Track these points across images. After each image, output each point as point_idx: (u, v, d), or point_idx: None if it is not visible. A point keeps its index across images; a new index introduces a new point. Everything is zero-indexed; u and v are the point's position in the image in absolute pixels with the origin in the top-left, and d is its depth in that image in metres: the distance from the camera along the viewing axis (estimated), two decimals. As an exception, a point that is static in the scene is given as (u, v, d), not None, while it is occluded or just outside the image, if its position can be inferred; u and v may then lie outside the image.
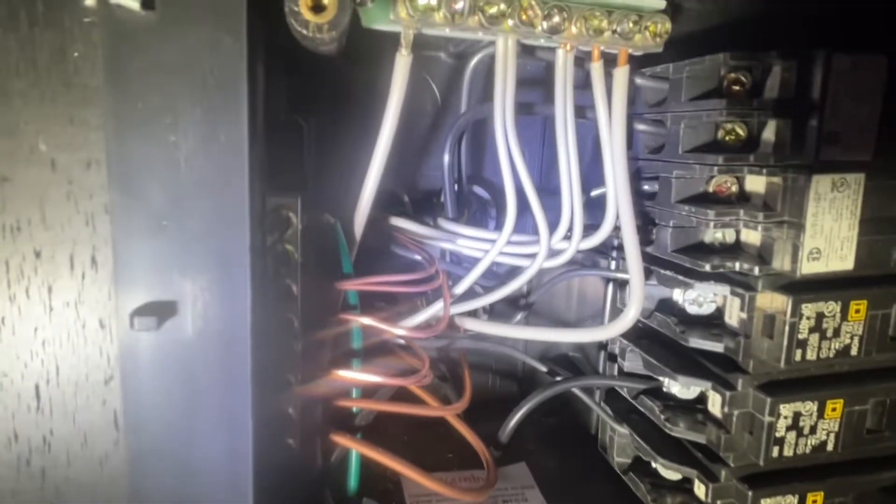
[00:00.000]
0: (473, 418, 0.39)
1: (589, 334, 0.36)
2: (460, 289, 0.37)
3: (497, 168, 0.43)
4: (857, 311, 0.30)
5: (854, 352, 0.31)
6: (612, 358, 0.41)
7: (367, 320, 0.34)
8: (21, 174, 0.22)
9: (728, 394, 0.31)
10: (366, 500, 0.35)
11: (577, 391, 0.41)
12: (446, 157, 0.37)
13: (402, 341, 0.38)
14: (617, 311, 0.41)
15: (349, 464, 0.32)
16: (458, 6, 0.28)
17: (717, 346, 0.32)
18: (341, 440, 0.32)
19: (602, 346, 0.43)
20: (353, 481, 0.32)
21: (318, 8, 0.23)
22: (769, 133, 0.31)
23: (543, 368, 0.41)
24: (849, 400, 0.31)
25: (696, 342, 0.33)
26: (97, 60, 0.22)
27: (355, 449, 0.32)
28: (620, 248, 0.40)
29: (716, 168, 0.31)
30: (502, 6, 0.28)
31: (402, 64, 0.30)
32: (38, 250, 0.23)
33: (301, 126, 0.35)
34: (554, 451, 0.43)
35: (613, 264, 0.41)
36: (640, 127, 0.36)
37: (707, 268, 0.31)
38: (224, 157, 0.23)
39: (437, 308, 0.37)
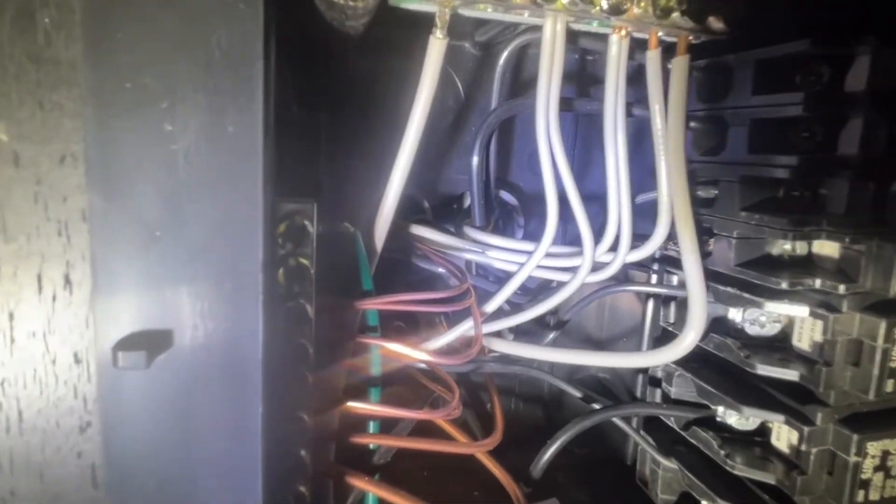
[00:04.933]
0: (495, 447, 0.35)
1: (639, 359, 0.32)
2: (491, 306, 0.33)
3: (524, 171, 0.40)
4: (954, 335, 0.26)
5: (949, 380, 0.27)
6: (653, 382, 0.37)
7: (388, 344, 0.29)
8: (-25, 171, 0.18)
9: (806, 429, 0.27)
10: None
11: (617, 420, 0.36)
12: (475, 159, 0.33)
13: (423, 365, 0.34)
14: (658, 330, 0.37)
15: (367, 511, 0.28)
16: (506, -21, 0.24)
17: (790, 375, 0.28)
18: (358, 483, 0.28)
19: (642, 368, 0.39)
20: (371, 531, 0.28)
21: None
22: (852, 132, 0.27)
23: (578, 394, 0.37)
24: (941, 434, 0.28)
25: (765, 369, 0.29)
26: (74, 28, 0.17)
27: (373, 493, 0.28)
28: (663, 260, 0.36)
29: (789, 171, 0.27)
30: (558, -20, 0.24)
31: (437, 48, 0.26)
32: (-3, 267, 0.18)
33: (316, 122, 0.31)
34: (587, 485, 0.39)
35: (654, 278, 0.37)
36: (691, 125, 0.32)
37: (784, 285, 0.27)
38: (233, 152, 0.18)
39: (463, 328, 0.33)
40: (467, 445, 0.31)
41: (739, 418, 0.32)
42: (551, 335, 0.37)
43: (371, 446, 0.30)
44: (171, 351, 0.19)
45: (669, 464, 0.35)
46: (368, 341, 0.29)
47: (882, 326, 0.25)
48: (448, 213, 0.37)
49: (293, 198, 0.24)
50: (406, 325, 0.38)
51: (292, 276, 0.24)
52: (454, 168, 0.38)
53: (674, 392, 0.35)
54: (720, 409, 0.32)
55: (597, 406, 0.36)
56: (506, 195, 0.38)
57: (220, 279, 0.19)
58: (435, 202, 0.37)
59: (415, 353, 0.29)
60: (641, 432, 0.37)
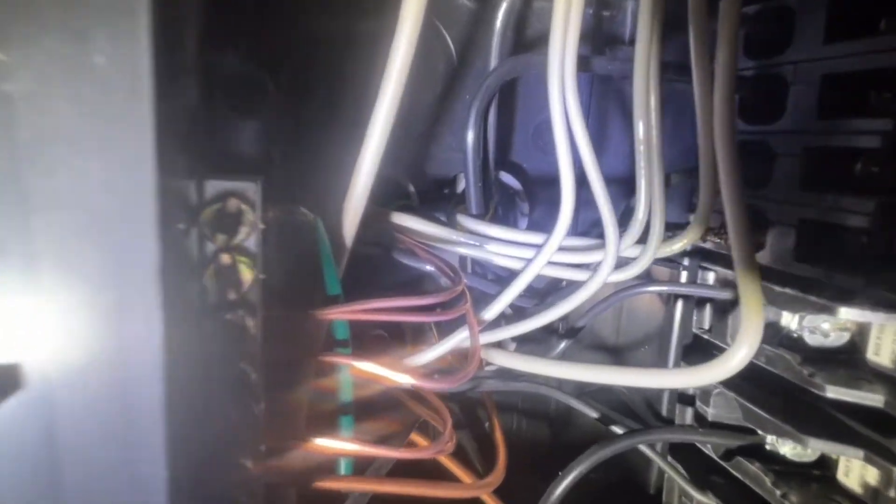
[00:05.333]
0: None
1: (673, 378, 0.26)
2: (491, 313, 0.27)
3: (528, 148, 0.33)
4: None
5: None
6: (684, 400, 0.31)
7: (360, 364, 0.23)
8: None
9: (895, 469, 0.22)
10: None
11: (645, 448, 0.30)
12: (470, 134, 0.27)
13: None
14: (689, 337, 0.31)
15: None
16: None
17: (870, 400, 0.22)
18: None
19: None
20: None
21: None
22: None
23: (594, 414, 0.31)
24: None
25: (837, 391, 0.23)
26: None
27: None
28: (695, 253, 0.30)
29: (877, 139, 0.21)
30: None
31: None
32: None
33: (265, 84, 0.24)
34: (603, 519, 0.33)
35: (685, 275, 0.31)
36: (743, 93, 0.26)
37: (861, 283, 0.21)
38: (106, 96, 0.12)
39: (457, 339, 0.27)
40: (461, 488, 0.25)
41: (795, 447, 0.27)
42: (561, 345, 0.31)
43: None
44: (22, 393, 0.13)
45: (704, 498, 0.29)
46: (335, 360, 0.23)
47: None
48: (439, 198, 0.31)
49: (227, 174, 0.18)
50: (389, 335, 0.32)
51: (226, 280, 0.18)
52: (445, 145, 0.31)
53: (711, 413, 0.29)
54: (770, 437, 0.27)
55: (618, 429, 0.30)
56: (507, 177, 0.32)
57: (99, 289, 0.13)
58: (423, 186, 0.31)
59: (394, 376, 0.23)
60: (669, 458, 0.31)
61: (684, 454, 0.31)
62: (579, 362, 0.28)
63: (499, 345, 0.30)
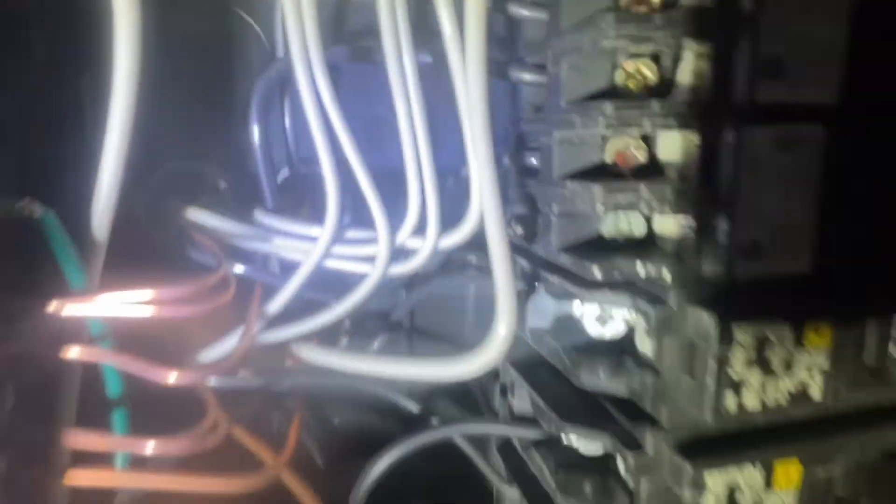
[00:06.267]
0: (342, 471, 0.29)
1: (442, 368, 0.26)
2: (275, 306, 0.26)
3: (360, 142, 0.33)
4: (819, 334, 0.20)
5: (816, 393, 0.21)
6: (504, 392, 0.31)
7: (119, 360, 0.23)
8: None
9: (632, 456, 0.21)
10: None
11: (458, 439, 0.30)
12: (254, 129, 0.26)
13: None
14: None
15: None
16: None
17: (617, 388, 0.22)
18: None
19: (496, 374, 0.33)
20: None
21: None
22: (687, 72, 0.21)
23: (414, 409, 0.31)
24: (809, 461, 0.21)
25: (591, 381, 0.23)
26: None
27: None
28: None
29: (608, 124, 0.21)
30: None
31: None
32: None
33: None
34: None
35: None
36: (526, 77, 0.26)
37: (595, 272, 0.21)
38: None
39: (253, 332, 0.26)
40: (237, 481, 0.25)
41: (582, 440, 0.26)
42: (377, 340, 0.31)
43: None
44: None
45: (512, 493, 0.28)
46: (93, 356, 0.23)
47: (715, 324, 0.19)
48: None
49: None
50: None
51: None
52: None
53: (517, 405, 0.29)
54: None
55: (434, 423, 0.30)
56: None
57: None
58: (246, 181, 0.31)
59: (155, 373, 0.23)
60: (496, 452, 0.31)
61: (511, 448, 0.31)
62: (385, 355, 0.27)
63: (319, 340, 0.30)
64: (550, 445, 0.27)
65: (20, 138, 0.23)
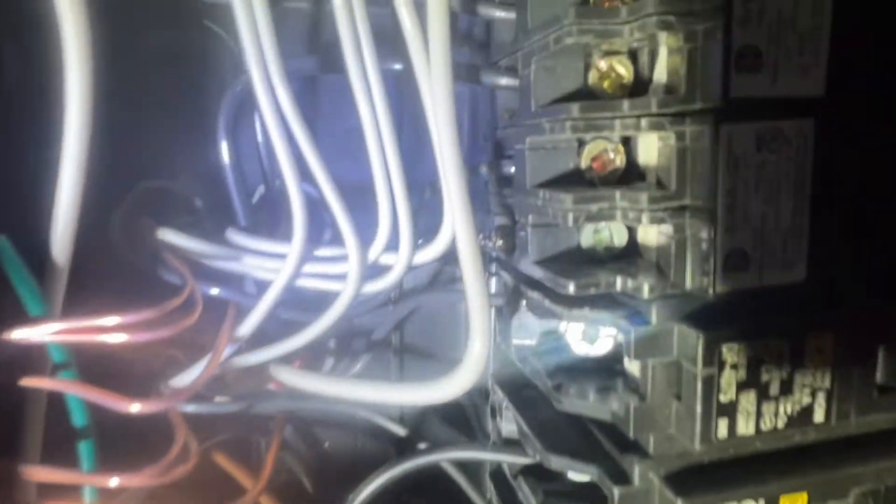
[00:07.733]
0: (331, 497, 0.28)
1: (418, 392, 0.24)
2: (246, 328, 0.25)
3: (339, 154, 0.32)
4: (820, 350, 0.18)
5: (820, 416, 0.19)
6: (493, 414, 0.29)
7: (82, 391, 0.22)
8: None
9: (616, 490, 0.19)
10: None
11: (446, 466, 0.29)
12: (222, 145, 0.26)
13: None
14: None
15: None
16: None
17: (601, 413, 0.20)
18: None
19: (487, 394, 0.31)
20: None
21: None
22: (662, 68, 0.19)
23: (401, 432, 0.30)
24: (819, 494, 0.19)
25: (573, 404, 0.21)
26: None
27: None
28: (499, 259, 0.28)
29: (574, 127, 0.19)
30: None
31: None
32: None
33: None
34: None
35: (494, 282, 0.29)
36: (500, 81, 0.25)
37: (570, 288, 0.19)
38: None
39: (223, 356, 0.25)
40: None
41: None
42: (360, 361, 0.29)
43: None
44: None
45: (502, 521, 0.27)
46: (55, 386, 0.22)
47: (701, 342, 0.17)
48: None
49: None
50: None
51: None
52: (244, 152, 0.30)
53: (505, 428, 0.27)
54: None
55: (421, 449, 0.29)
56: (307, 187, 0.31)
57: None
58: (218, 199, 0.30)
59: (109, 401, 0.22)
60: (489, 479, 0.29)
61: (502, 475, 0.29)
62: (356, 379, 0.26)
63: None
64: (539, 473, 0.25)
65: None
